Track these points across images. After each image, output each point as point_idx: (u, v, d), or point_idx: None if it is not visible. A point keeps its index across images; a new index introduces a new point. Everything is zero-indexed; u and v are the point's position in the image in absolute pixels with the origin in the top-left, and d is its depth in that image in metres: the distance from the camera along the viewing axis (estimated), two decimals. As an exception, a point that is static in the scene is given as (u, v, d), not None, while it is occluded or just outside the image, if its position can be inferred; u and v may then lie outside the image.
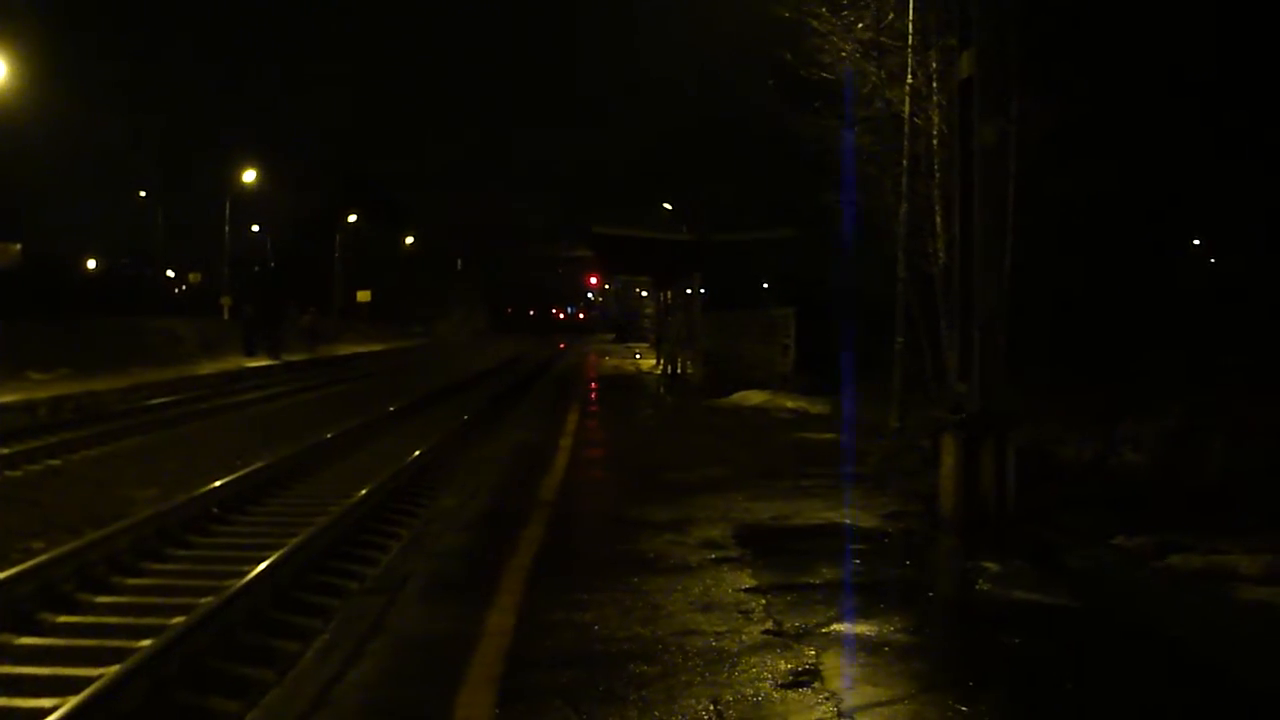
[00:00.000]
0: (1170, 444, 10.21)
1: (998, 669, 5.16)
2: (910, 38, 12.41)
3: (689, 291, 28.70)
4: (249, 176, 49.03)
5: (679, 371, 28.17)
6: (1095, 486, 9.64)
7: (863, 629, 5.73)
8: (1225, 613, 6.15)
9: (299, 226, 77.01)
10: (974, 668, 5.14)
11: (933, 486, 8.15)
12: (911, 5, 12.29)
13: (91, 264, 71.31)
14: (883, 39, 13.16)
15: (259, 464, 12.37)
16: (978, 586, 6.58)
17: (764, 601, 6.26)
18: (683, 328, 28.55)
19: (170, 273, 79.91)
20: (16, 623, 6.80)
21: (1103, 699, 4.79)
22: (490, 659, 5.25)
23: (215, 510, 10.35)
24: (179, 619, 6.60)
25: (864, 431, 13.77)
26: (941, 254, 11.83)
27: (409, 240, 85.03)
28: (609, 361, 41.21)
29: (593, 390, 25.75)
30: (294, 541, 8.51)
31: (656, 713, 4.56)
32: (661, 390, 24.86)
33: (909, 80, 12.48)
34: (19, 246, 44.40)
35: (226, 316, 43.75)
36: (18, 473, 12.72)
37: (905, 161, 12.68)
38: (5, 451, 13.43)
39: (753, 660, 5.20)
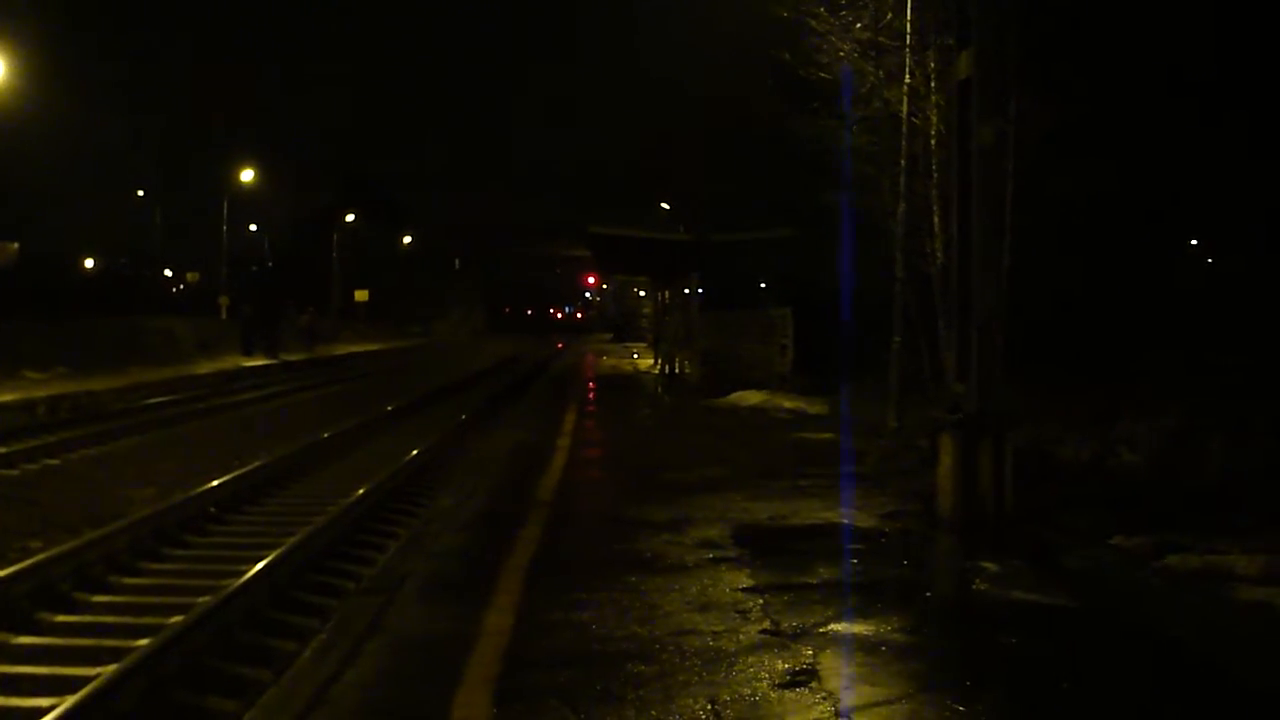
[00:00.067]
0: (1169, 444, 10.21)
1: (996, 669, 5.16)
2: (908, 37, 12.43)
3: (687, 291, 28.70)
4: (247, 176, 49.02)
5: (677, 371, 28.16)
6: (1094, 486, 9.64)
7: (860, 629, 5.72)
8: (1224, 613, 6.14)
9: (297, 226, 77.03)
10: (972, 668, 5.13)
11: (931, 486, 8.14)
12: (910, 5, 12.31)
13: (89, 263, 71.20)
14: (881, 39, 13.18)
15: (256, 463, 12.36)
16: (975, 586, 6.57)
17: (761, 601, 6.25)
18: (680, 327, 28.53)
19: (168, 272, 79.84)
20: (14, 622, 6.79)
21: (1101, 699, 4.78)
22: (488, 659, 5.25)
23: (213, 510, 10.34)
24: (177, 618, 6.59)
25: (862, 431, 13.77)
26: (939, 254, 11.84)
27: (407, 240, 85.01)
28: (607, 361, 41.19)
29: (590, 390, 25.74)
30: (291, 541, 8.50)
31: (654, 712, 4.55)
32: (659, 390, 24.85)
33: (907, 80, 12.50)
34: (17, 246, 44.29)
35: (224, 316, 43.73)
36: (15, 472, 12.71)
37: (903, 161, 12.70)
38: (3, 451, 13.41)
39: (750, 660, 5.20)
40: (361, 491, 10.68)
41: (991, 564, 6.94)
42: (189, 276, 76.99)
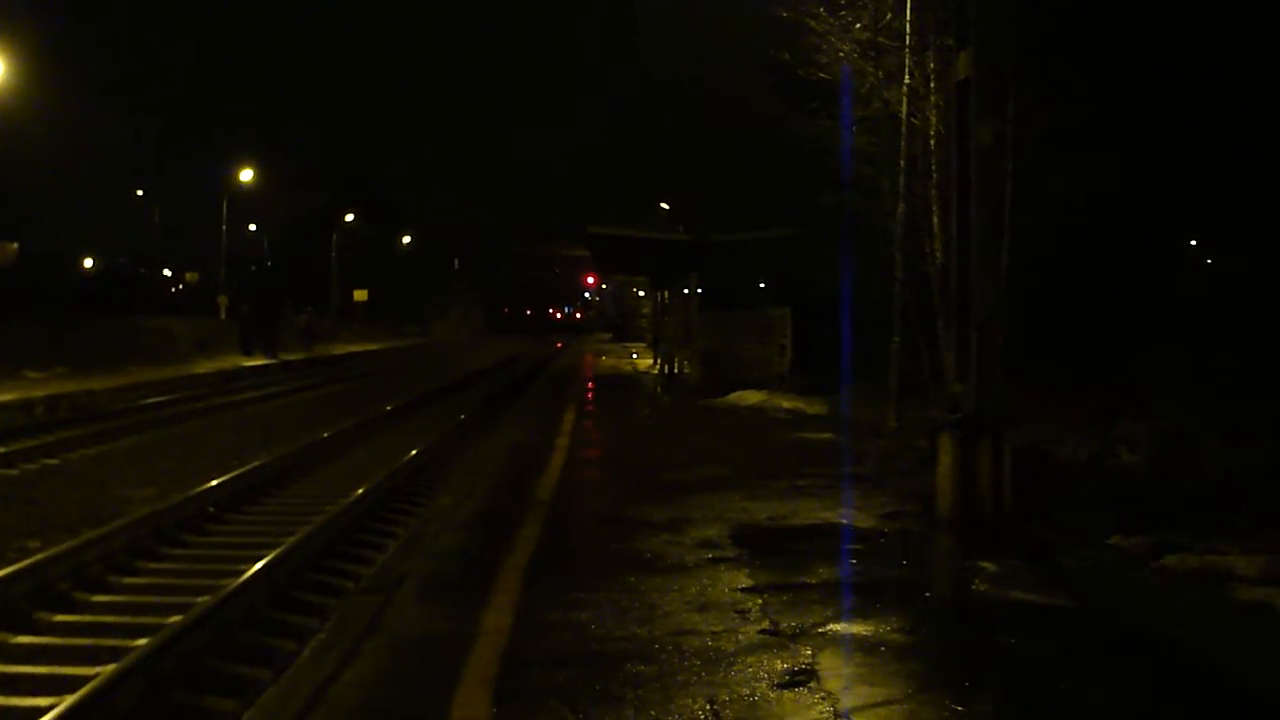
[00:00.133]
0: (1167, 444, 10.22)
1: (994, 669, 5.16)
2: (908, 38, 12.44)
3: (686, 291, 28.68)
4: (246, 176, 49.01)
5: (676, 371, 28.15)
6: (1093, 486, 9.65)
7: (859, 629, 5.72)
8: (1222, 613, 6.14)
9: (296, 226, 77.02)
10: (970, 668, 5.13)
11: (929, 486, 8.13)
12: (909, 5, 12.32)
13: (88, 263, 71.24)
14: (880, 39, 13.19)
15: (255, 463, 12.36)
16: (974, 586, 6.57)
17: (760, 601, 6.26)
18: (679, 327, 28.51)
19: (167, 272, 79.90)
20: (13, 621, 6.79)
21: (1099, 699, 4.79)
22: (487, 659, 5.24)
23: (211, 509, 10.34)
24: (175, 618, 6.59)
25: (861, 431, 13.79)
26: (939, 254, 11.85)
27: (406, 240, 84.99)
28: (606, 361, 41.18)
29: (589, 390, 25.74)
30: (290, 541, 8.51)
31: (653, 712, 4.55)
32: (658, 390, 24.85)
33: (906, 80, 12.51)
34: (16, 245, 44.26)
35: (223, 316, 43.68)
36: (14, 471, 12.70)
37: (902, 161, 12.71)
38: (2, 450, 13.40)
39: (749, 660, 5.20)
40: (360, 491, 10.69)
41: (990, 564, 6.94)
42: (188, 276, 77.00)
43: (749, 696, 4.73)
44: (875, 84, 13.41)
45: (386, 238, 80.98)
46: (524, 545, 7.85)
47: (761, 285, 28.30)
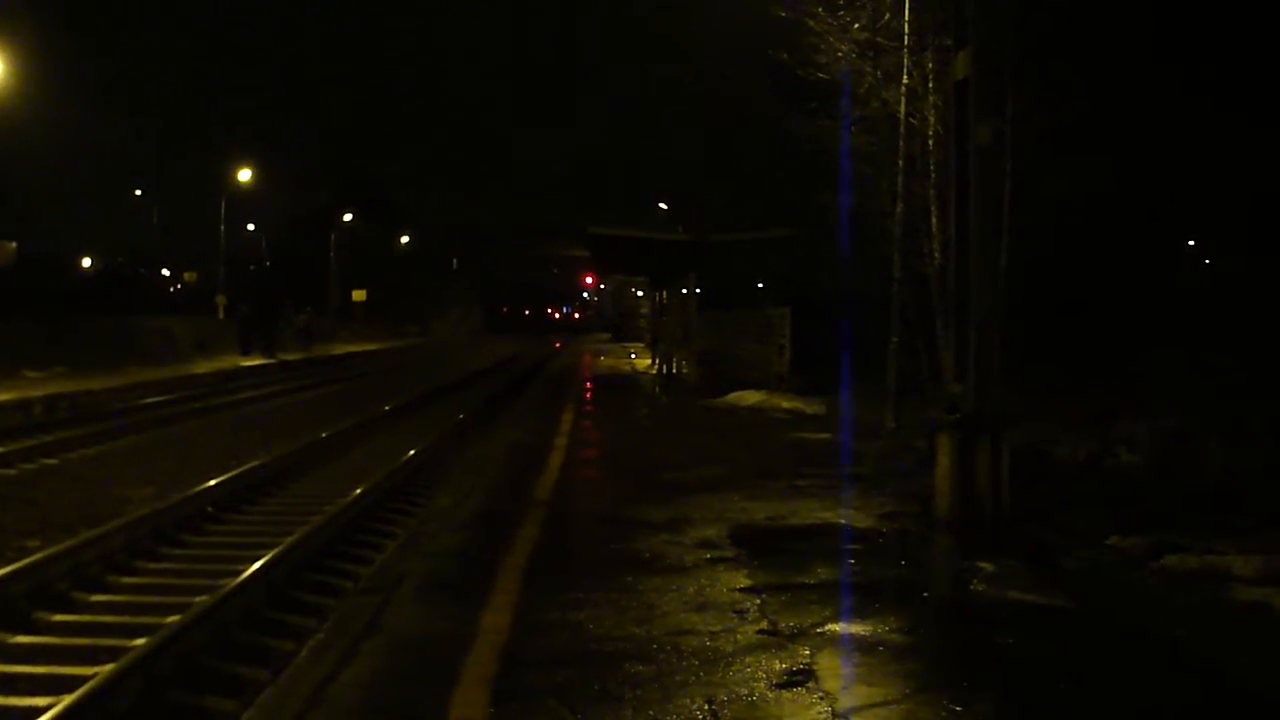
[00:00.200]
0: (1167, 444, 10.22)
1: (993, 669, 5.16)
2: (906, 38, 12.43)
3: (685, 291, 28.68)
4: (245, 176, 49.02)
5: (675, 371, 28.15)
6: (1091, 486, 9.65)
7: (858, 629, 5.72)
8: (1221, 613, 6.15)
9: (295, 226, 76.99)
10: (969, 668, 5.13)
11: (928, 487, 8.14)
12: (907, 5, 12.31)
13: (87, 263, 71.26)
14: (879, 39, 13.18)
15: (254, 463, 12.36)
16: (973, 587, 6.57)
17: (759, 601, 6.25)
18: (678, 327, 28.51)
19: (166, 272, 79.90)
20: (12, 621, 6.78)
21: (1098, 699, 4.79)
22: (485, 658, 5.24)
23: (210, 509, 10.33)
24: (174, 618, 6.59)
25: (860, 431, 13.78)
26: (937, 254, 11.84)
27: (405, 240, 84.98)
28: (605, 361, 41.18)
29: (588, 390, 25.75)
30: (289, 540, 8.50)
31: (651, 712, 4.55)
32: (657, 390, 24.85)
33: (905, 80, 12.50)
34: (15, 245, 44.25)
35: (222, 316, 43.67)
36: (13, 471, 12.70)
37: (901, 161, 12.70)
38: (1, 450, 13.39)
39: (748, 660, 5.20)
40: (359, 491, 10.68)
41: (989, 564, 6.94)
42: (187, 276, 76.99)
43: (747, 696, 4.73)
44: (874, 84, 13.39)
45: (386, 238, 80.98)
46: (523, 545, 7.85)
47: (760, 285, 28.30)
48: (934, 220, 11.97)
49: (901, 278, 13.47)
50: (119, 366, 26.59)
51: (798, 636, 5.58)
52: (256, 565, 7.53)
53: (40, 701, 5.36)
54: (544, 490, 10.34)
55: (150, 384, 24.07)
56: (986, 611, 6.11)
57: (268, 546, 8.44)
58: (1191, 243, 24.77)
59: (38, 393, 20.01)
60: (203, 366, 30.31)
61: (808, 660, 5.20)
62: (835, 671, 5.07)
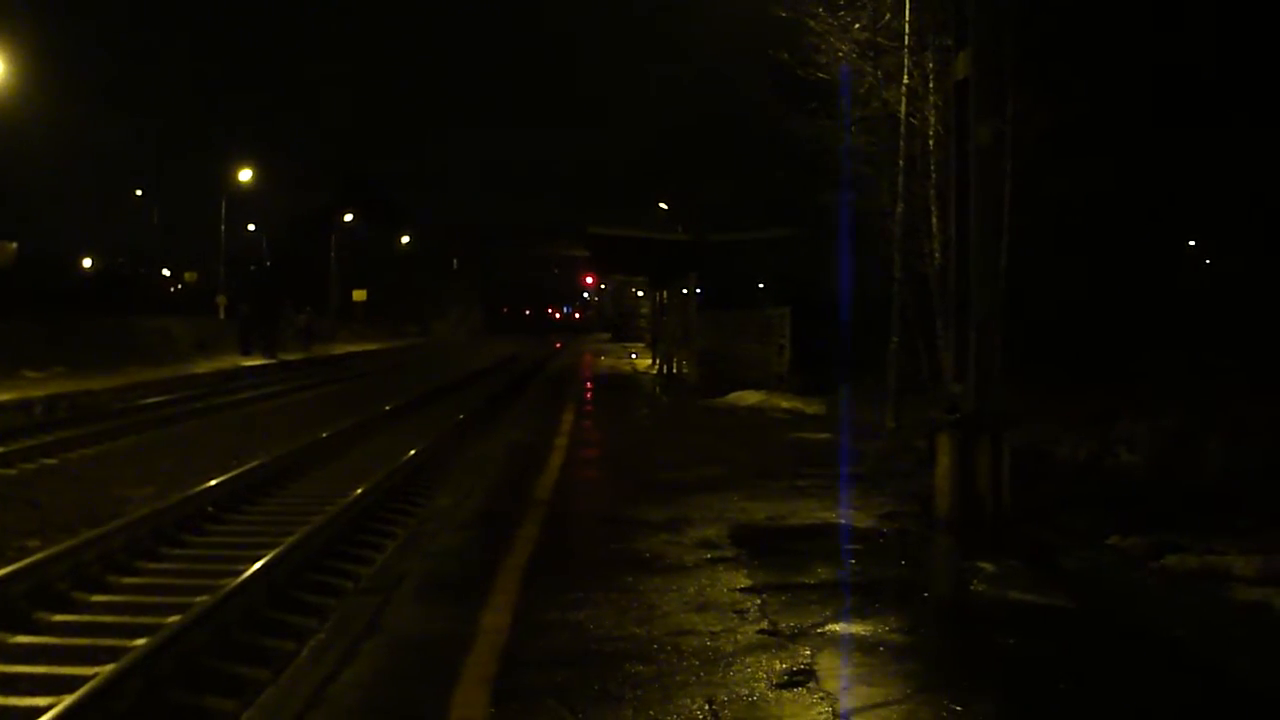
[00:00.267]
0: (1167, 444, 10.21)
1: (993, 669, 5.16)
2: (907, 38, 12.44)
3: (685, 291, 28.69)
4: (245, 176, 49.02)
5: (675, 371, 28.15)
6: (1092, 486, 9.64)
7: (858, 629, 5.72)
8: (1221, 613, 6.14)
9: (296, 226, 77.03)
10: (969, 668, 5.14)
11: (928, 487, 8.13)
12: (908, 5, 12.31)
13: (88, 263, 71.23)
14: (879, 39, 13.19)
15: (254, 463, 12.36)
16: (973, 587, 6.57)
17: (759, 601, 6.25)
18: (678, 327, 28.52)
19: (166, 272, 79.92)
20: (12, 621, 6.79)
21: (1098, 699, 4.79)
22: (485, 658, 5.24)
23: (210, 509, 10.33)
24: (174, 618, 6.59)
25: (860, 432, 13.78)
26: (937, 254, 11.85)
27: (405, 240, 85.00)
28: (605, 361, 41.18)
29: (588, 390, 25.75)
30: (289, 540, 8.50)
31: (651, 712, 4.55)
32: (657, 390, 24.85)
33: (905, 80, 12.51)
34: (15, 245, 44.25)
35: (222, 315, 43.68)
36: (13, 471, 12.70)
37: (901, 161, 12.71)
38: (1, 450, 13.39)
39: (748, 660, 5.20)
40: (359, 491, 10.68)
41: (989, 564, 6.93)
42: (187, 276, 77.01)
43: (748, 697, 4.73)
44: (874, 84, 13.41)
45: (386, 238, 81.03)
46: (523, 545, 7.85)
47: (760, 285, 28.30)
48: (934, 220, 11.98)
49: (901, 278, 13.47)
50: (119, 366, 26.60)
51: (798, 636, 5.58)
52: (257, 565, 7.53)
53: (41, 701, 5.37)
54: (544, 490, 10.34)
55: (150, 384, 24.08)
56: (987, 611, 6.11)
57: (268, 546, 8.44)
58: (1191, 243, 24.77)
59: (38, 393, 20.02)
60: (203, 366, 30.31)
61: (808, 660, 5.20)
62: (836, 671, 5.07)
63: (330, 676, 5.04)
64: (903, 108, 12.51)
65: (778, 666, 5.11)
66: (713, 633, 5.64)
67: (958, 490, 7.46)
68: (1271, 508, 7.99)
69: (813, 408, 18.03)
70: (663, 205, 55.08)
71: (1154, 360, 14.22)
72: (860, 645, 5.45)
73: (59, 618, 7.09)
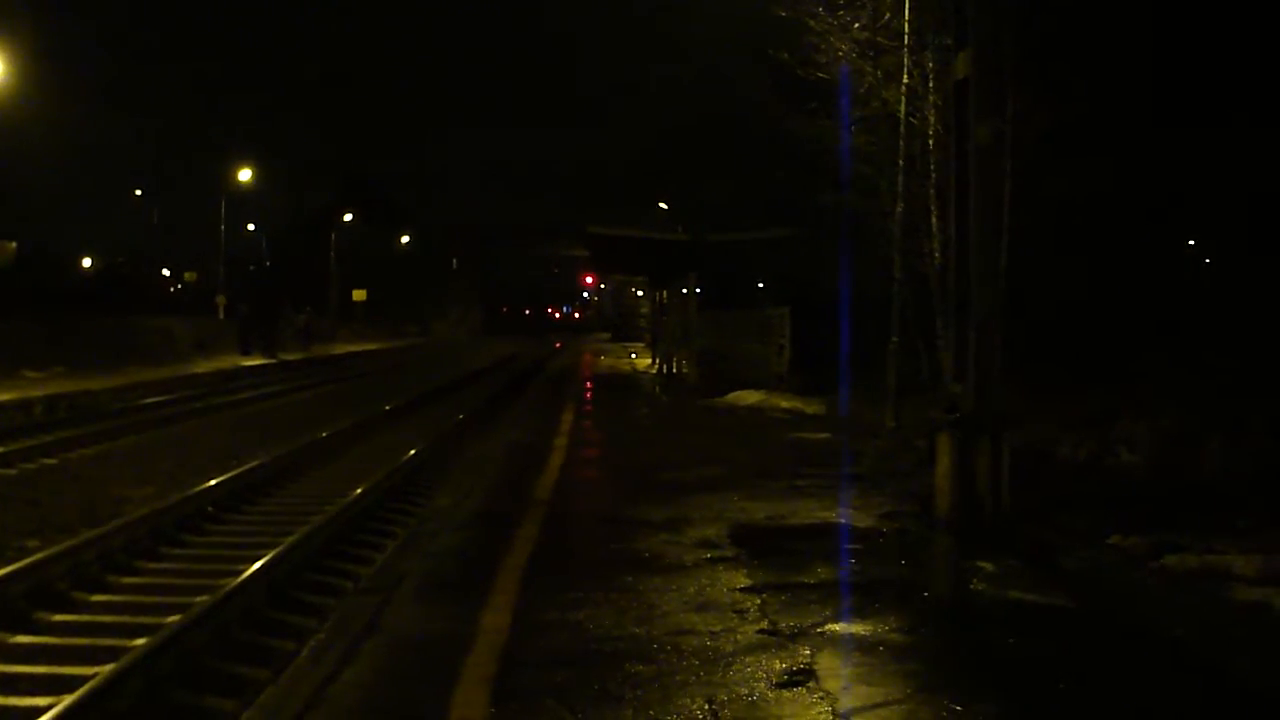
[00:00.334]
0: (1167, 444, 10.21)
1: (993, 669, 5.16)
2: (906, 38, 12.44)
3: (685, 291, 28.70)
4: (245, 176, 49.02)
5: (674, 371, 28.17)
6: (1092, 486, 9.64)
7: (858, 629, 5.72)
8: (1221, 613, 6.14)
9: (295, 226, 77.05)
10: (969, 668, 5.14)
11: (928, 486, 8.11)
12: (907, 5, 12.31)
13: (87, 262, 71.23)
14: (879, 39, 13.20)
15: (254, 463, 12.35)
16: (973, 586, 6.57)
17: (759, 601, 6.25)
18: (678, 327, 28.54)
19: (166, 272, 79.93)
20: (12, 621, 6.78)
21: (1098, 699, 4.79)
22: (485, 658, 5.24)
23: (210, 509, 10.33)
24: (174, 618, 6.59)
25: (859, 431, 13.78)
26: (937, 254, 11.86)
27: (405, 240, 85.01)
28: (604, 361, 41.18)
29: (588, 390, 25.74)
30: (289, 540, 8.50)
31: (651, 712, 4.55)
32: (657, 390, 24.85)
33: (905, 80, 12.51)
34: (15, 245, 44.29)
35: (222, 315, 43.67)
36: (13, 471, 12.69)
37: (901, 161, 12.71)
38: (1, 450, 13.39)
39: (748, 660, 5.20)
40: (359, 491, 10.67)
41: (989, 564, 6.94)
42: (187, 276, 77.06)
43: (747, 696, 4.73)
44: (874, 83, 13.41)
45: (386, 238, 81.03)
46: (522, 545, 7.84)
47: (760, 285, 28.33)
48: (934, 220, 11.98)
49: (901, 278, 13.47)
50: (119, 366, 26.60)
51: (798, 636, 5.58)
52: (257, 565, 7.53)
53: (41, 701, 5.36)
54: (544, 490, 10.34)
55: (150, 384, 24.08)
56: (987, 611, 6.11)
57: (268, 546, 8.44)
58: (1191, 243, 24.77)
59: (38, 393, 20.02)
60: (202, 366, 30.31)
61: (808, 660, 5.20)
62: (836, 671, 5.07)
63: (330, 676, 5.04)
64: (902, 107, 12.51)
65: (777, 666, 5.11)
66: (712, 632, 5.63)
67: (958, 490, 7.45)
68: (1271, 508, 7.99)
69: (812, 407, 18.02)
70: (662, 205, 55.14)
71: (1154, 360, 14.21)
72: (860, 645, 5.45)
73: (59, 617, 7.08)
